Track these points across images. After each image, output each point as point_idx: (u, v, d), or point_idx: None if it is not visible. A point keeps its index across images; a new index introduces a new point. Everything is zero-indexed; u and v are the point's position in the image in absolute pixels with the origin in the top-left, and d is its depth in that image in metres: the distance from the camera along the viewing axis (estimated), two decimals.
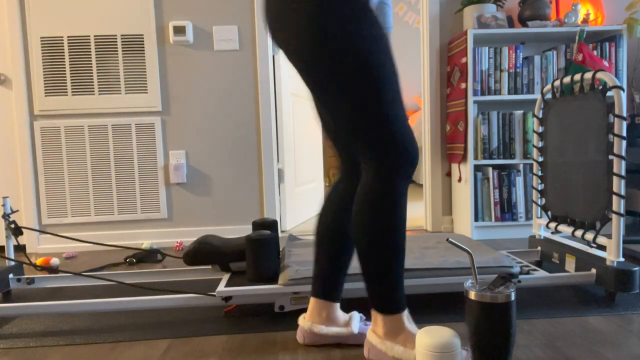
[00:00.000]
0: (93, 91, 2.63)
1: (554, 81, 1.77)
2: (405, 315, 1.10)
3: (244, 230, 2.73)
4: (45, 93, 2.61)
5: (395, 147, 1.03)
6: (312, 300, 1.25)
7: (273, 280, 1.46)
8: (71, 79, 2.62)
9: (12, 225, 1.74)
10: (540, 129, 1.89)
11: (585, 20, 2.55)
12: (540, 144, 1.90)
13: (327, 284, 1.23)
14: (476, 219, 2.53)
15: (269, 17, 1.07)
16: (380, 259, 1.07)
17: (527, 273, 1.58)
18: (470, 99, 2.46)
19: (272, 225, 1.66)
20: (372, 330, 1.13)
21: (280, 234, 2.81)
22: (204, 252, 1.58)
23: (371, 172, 1.06)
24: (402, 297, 1.10)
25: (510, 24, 2.61)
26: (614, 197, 1.45)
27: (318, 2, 0.97)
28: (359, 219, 1.08)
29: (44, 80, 2.61)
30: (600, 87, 1.54)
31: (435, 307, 1.48)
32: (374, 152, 1.04)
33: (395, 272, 1.08)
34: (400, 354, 1.07)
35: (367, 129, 1.02)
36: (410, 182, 1.08)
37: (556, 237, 1.86)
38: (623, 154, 1.44)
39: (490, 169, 2.53)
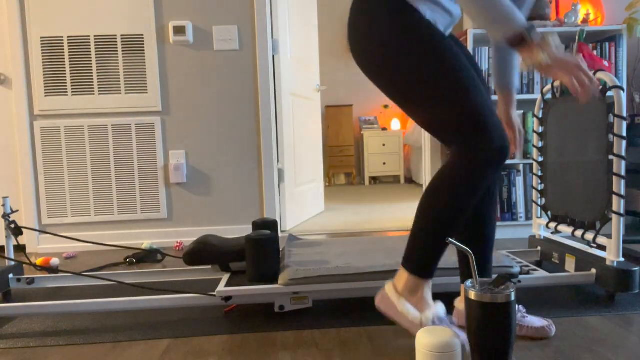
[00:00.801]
0: (93, 91, 2.63)
1: (554, 81, 1.77)
2: (428, 284, 1.18)
3: (244, 230, 2.73)
4: (45, 93, 2.61)
5: (461, 134, 1.09)
6: None
7: (273, 280, 1.46)
8: (71, 79, 2.62)
9: (12, 225, 1.74)
10: (540, 129, 1.89)
11: (585, 20, 2.54)
12: (540, 144, 1.90)
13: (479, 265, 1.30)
14: None
15: (348, 34, 1.24)
16: (427, 224, 1.15)
17: (527, 273, 1.58)
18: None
19: (272, 225, 1.66)
20: (393, 283, 1.22)
21: (280, 234, 2.81)
22: (204, 252, 1.58)
23: (457, 155, 1.12)
24: (433, 266, 1.18)
25: None
26: (614, 197, 1.45)
27: (375, 26, 1.14)
28: (431, 182, 1.17)
29: (44, 80, 2.61)
30: (600, 87, 1.54)
31: (444, 308, 1.48)
32: (458, 140, 1.10)
33: (435, 241, 1.15)
34: (407, 312, 1.16)
35: (444, 124, 1.12)
36: (495, 172, 1.11)
37: (556, 237, 1.86)
38: (623, 154, 1.44)
39: None
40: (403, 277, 1.19)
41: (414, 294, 1.18)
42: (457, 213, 1.13)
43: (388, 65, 1.14)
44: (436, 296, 1.57)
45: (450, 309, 1.47)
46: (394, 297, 1.19)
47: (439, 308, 1.19)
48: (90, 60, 2.61)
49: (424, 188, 2.89)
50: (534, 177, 1.93)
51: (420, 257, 1.17)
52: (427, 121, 1.14)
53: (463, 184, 1.11)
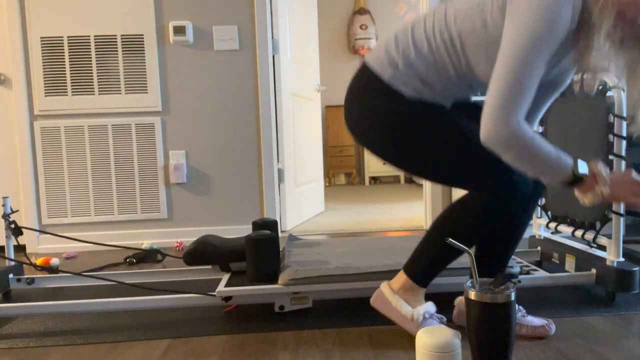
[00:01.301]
0: (93, 91, 2.63)
1: None
2: (423, 291, 1.26)
3: (244, 230, 2.73)
4: (45, 93, 2.61)
5: (487, 189, 1.14)
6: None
7: (273, 280, 1.46)
8: (71, 79, 2.62)
9: (12, 225, 1.74)
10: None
11: None
12: None
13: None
14: None
15: (345, 114, 1.29)
16: (439, 242, 1.20)
17: (527, 273, 1.58)
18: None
19: (272, 225, 1.66)
20: (388, 283, 1.29)
21: (280, 234, 2.81)
22: (204, 252, 1.58)
23: (475, 194, 1.18)
24: (429, 279, 1.25)
25: None
26: None
27: (379, 117, 1.19)
28: (452, 205, 1.22)
29: (44, 80, 2.61)
30: (601, 87, 1.54)
31: (435, 307, 1.48)
32: (472, 191, 1.18)
33: (442, 258, 1.22)
34: (400, 307, 1.23)
35: (455, 185, 1.20)
36: (506, 216, 1.17)
37: (556, 237, 1.86)
38: (623, 154, 1.43)
39: None
40: (401, 279, 1.26)
41: (408, 294, 1.25)
42: (469, 240, 1.18)
43: (386, 146, 1.21)
44: (436, 296, 1.57)
45: (448, 309, 1.47)
46: (389, 294, 1.26)
47: (430, 305, 1.25)
48: (90, 60, 2.61)
49: (424, 188, 2.89)
50: None
51: (425, 268, 1.24)
52: (437, 183, 1.23)
53: (480, 217, 1.16)
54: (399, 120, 1.16)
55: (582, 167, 1.05)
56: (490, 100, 1.01)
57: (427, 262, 1.23)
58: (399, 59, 1.16)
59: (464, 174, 1.14)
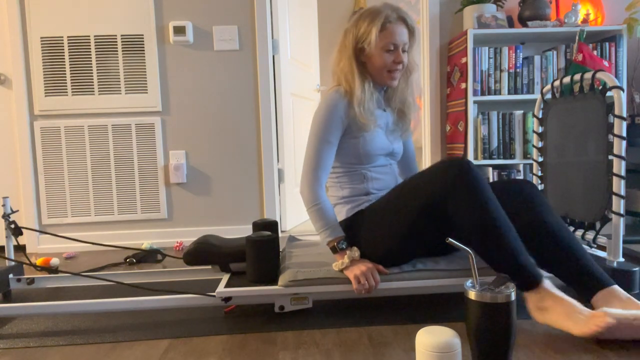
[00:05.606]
0: (93, 91, 2.63)
1: (553, 81, 1.77)
2: (546, 284, 1.22)
3: (244, 230, 2.73)
4: (45, 93, 2.61)
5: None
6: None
7: (273, 281, 1.46)
8: (71, 79, 2.62)
9: (12, 225, 1.74)
10: (540, 129, 1.89)
11: (585, 20, 2.54)
12: (540, 144, 1.90)
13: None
14: None
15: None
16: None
17: None
18: (470, 99, 2.46)
19: (272, 226, 1.66)
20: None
21: (280, 234, 2.80)
22: (204, 252, 1.58)
23: None
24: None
25: (510, 24, 2.61)
26: (614, 197, 1.45)
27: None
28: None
29: (44, 80, 2.61)
30: (600, 87, 1.55)
31: (435, 307, 1.48)
32: None
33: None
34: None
35: None
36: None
37: None
38: (623, 154, 1.44)
39: (490, 169, 2.53)
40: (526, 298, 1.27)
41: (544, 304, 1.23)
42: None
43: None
44: (434, 296, 1.57)
45: (448, 309, 1.46)
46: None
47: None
48: (90, 60, 2.61)
49: None
50: (534, 177, 1.93)
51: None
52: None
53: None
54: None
55: (343, 244, 1.42)
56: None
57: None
58: None
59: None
